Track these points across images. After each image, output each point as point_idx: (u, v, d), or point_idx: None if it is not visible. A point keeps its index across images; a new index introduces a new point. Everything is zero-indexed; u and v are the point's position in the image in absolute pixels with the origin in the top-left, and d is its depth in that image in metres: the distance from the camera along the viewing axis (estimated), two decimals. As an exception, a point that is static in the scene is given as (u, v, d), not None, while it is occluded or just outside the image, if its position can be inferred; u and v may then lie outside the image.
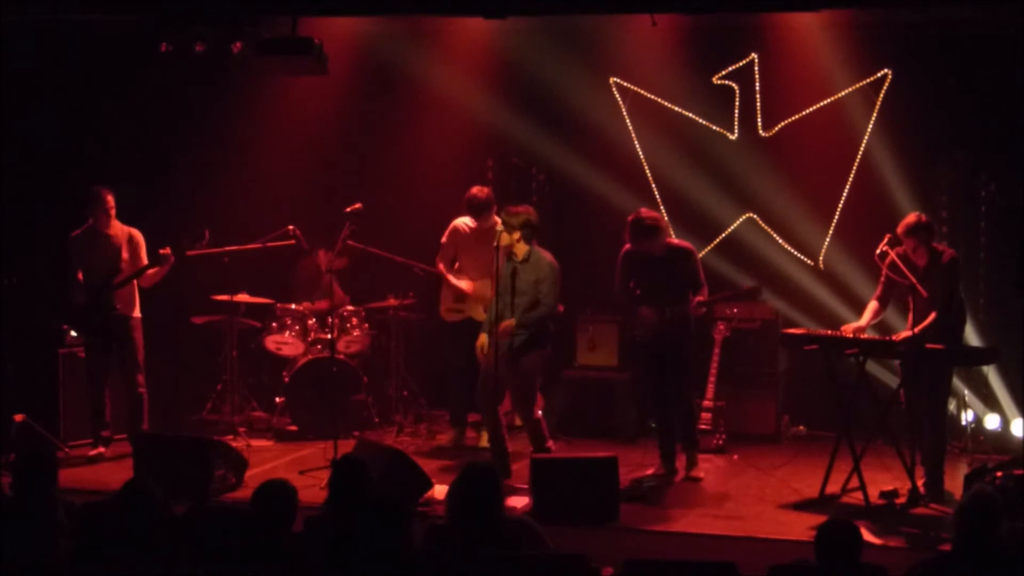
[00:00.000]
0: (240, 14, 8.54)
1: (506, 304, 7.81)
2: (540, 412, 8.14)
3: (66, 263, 8.69)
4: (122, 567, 4.60)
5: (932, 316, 7.30)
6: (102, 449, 8.62)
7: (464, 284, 8.82)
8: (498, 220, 8.61)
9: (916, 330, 7.18)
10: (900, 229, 7.43)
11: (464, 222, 8.84)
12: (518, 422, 9.15)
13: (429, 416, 9.64)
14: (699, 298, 7.81)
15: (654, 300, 7.87)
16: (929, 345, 7.16)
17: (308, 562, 4.62)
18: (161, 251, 8.47)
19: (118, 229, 8.65)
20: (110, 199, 8.55)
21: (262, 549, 4.64)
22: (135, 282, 8.60)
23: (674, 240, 8.26)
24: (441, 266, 8.96)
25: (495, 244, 7.98)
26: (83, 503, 5.25)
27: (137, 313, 8.66)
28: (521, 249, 7.88)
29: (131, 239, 8.66)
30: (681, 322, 7.86)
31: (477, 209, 8.68)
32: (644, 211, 7.94)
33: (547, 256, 7.94)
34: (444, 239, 8.93)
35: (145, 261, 8.62)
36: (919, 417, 7.49)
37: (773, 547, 6.44)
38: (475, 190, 8.71)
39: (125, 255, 8.61)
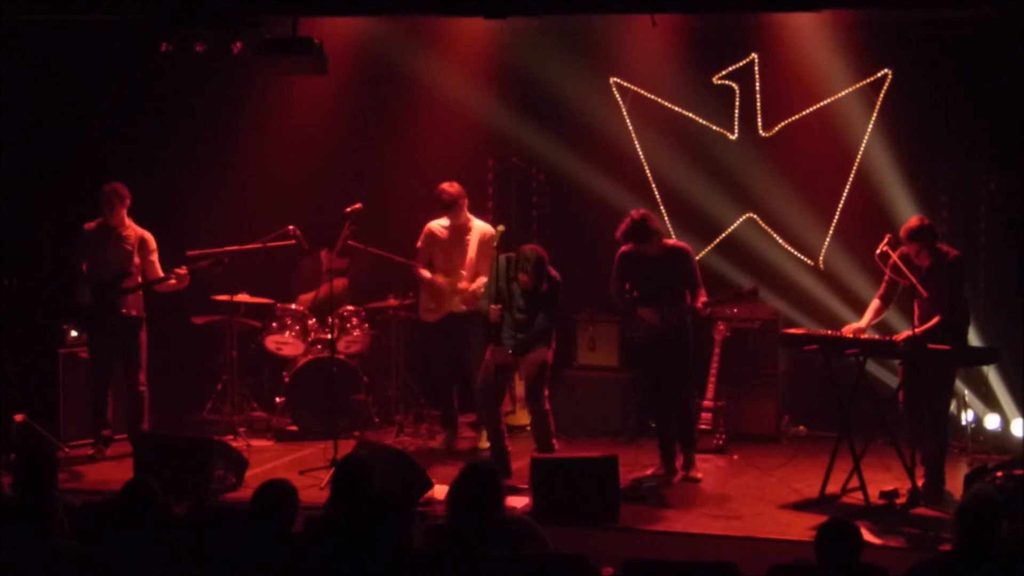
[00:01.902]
0: (240, 14, 8.54)
1: (506, 319, 7.86)
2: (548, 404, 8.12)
3: (72, 254, 8.66)
4: (122, 567, 4.60)
5: (936, 319, 7.28)
6: (102, 448, 8.62)
7: (439, 278, 8.81)
8: (470, 217, 8.73)
9: (918, 331, 7.18)
10: (903, 233, 7.42)
11: (439, 224, 8.84)
12: (519, 422, 9.18)
13: (429, 416, 9.63)
14: (703, 299, 7.80)
15: (652, 301, 7.88)
16: (932, 345, 7.16)
17: (308, 562, 4.62)
18: (178, 270, 8.50)
19: (131, 229, 8.65)
20: (117, 194, 8.53)
21: (262, 549, 4.64)
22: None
23: (671, 240, 8.25)
24: (418, 268, 8.94)
25: (495, 245, 7.99)
26: (83, 503, 5.25)
27: (141, 313, 8.66)
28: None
29: (143, 242, 8.64)
30: (680, 322, 7.86)
31: (446, 205, 8.68)
32: (635, 211, 7.94)
33: (553, 274, 7.93)
34: (419, 244, 8.89)
35: (157, 264, 8.63)
36: (919, 417, 7.49)
37: (773, 547, 6.44)
38: (444, 185, 8.72)
39: (136, 259, 8.61)
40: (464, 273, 8.71)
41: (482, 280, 8.44)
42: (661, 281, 7.87)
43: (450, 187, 8.71)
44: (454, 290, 8.71)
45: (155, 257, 8.67)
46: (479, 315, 8.15)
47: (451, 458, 8.50)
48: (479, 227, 8.77)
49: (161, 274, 8.63)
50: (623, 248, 7.95)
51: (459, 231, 8.76)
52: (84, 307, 8.55)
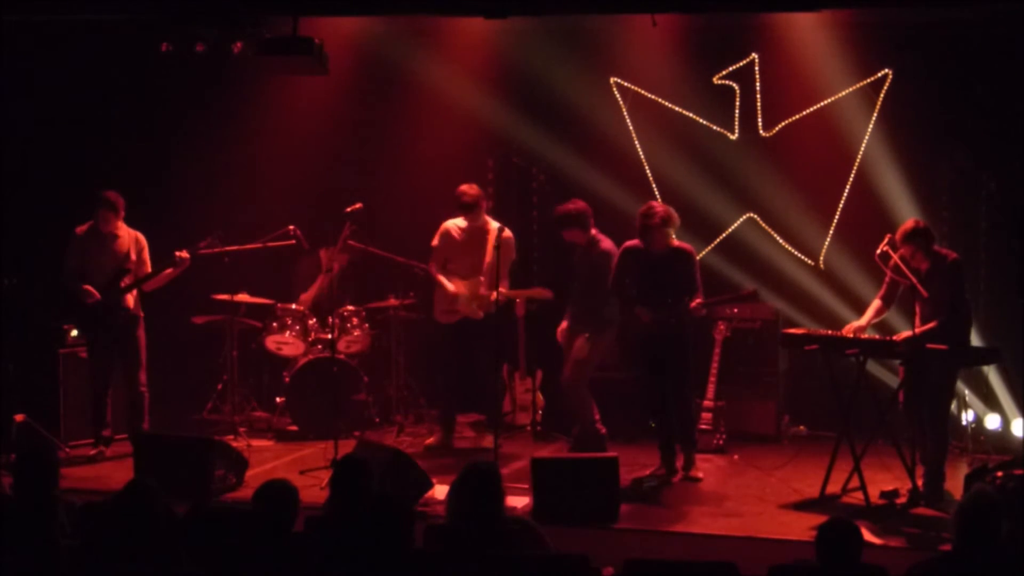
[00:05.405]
0: (240, 14, 8.55)
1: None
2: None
3: (64, 255, 8.61)
4: (122, 567, 4.60)
5: (934, 323, 7.27)
6: (102, 449, 8.62)
7: (451, 286, 8.77)
8: (488, 220, 8.67)
9: (918, 331, 7.17)
10: (898, 236, 7.42)
11: (455, 224, 8.80)
12: (517, 422, 9.20)
13: (429, 416, 9.64)
14: (699, 299, 7.80)
15: (650, 299, 7.88)
16: (931, 345, 7.15)
17: (308, 562, 4.62)
18: (178, 253, 8.51)
19: (124, 231, 8.65)
20: (117, 202, 8.53)
21: (263, 549, 4.64)
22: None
23: (676, 242, 8.25)
24: (433, 268, 8.91)
25: (495, 245, 8.00)
26: (83, 503, 5.25)
27: (139, 311, 8.66)
28: (583, 238, 8.33)
29: (137, 242, 8.68)
30: (675, 323, 7.84)
31: (466, 207, 8.64)
32: (647, 205, 7.97)
33: (605, 243, 8.22)
34: (435, 242, 8.85)
35: (149, 264, 8.64)
36: (919, 417, 7.49)
37: (773, 547, 6.44)
38: (464, 187, 8.67)
39: (133, 257, 8.62)
40: (483, 279, 8.64)
41: (501, 291, 8.39)
42: (661, 280, 7.87)
43: (470, 189, 8.66)
44: (474, 295, 8.68)
45: (147, 255, 8.68)
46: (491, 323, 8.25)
47: (452, 458, 8.50)
48: (496, 229, 8.64)
49: (150, 271, 8.63)
50: (627, 244, 7.97)
51: (477, 233, 8.69)
52: (85, 307, 8.54)
